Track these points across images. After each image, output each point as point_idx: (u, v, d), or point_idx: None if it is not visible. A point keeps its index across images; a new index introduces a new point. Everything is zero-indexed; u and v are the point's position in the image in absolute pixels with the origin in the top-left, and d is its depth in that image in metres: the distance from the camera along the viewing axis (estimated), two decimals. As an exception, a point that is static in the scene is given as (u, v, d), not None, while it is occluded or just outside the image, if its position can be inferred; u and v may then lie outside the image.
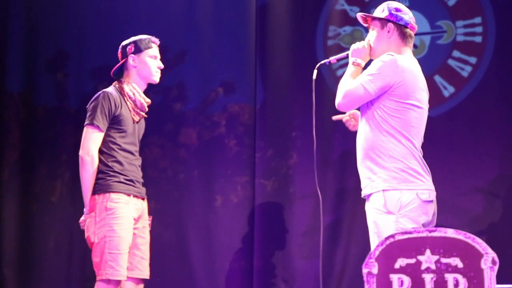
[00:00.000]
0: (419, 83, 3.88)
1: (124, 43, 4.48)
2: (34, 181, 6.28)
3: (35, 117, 6.34)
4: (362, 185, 3.91)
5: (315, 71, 4.10)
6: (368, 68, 3.87)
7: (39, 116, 6.34)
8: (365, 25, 4.12)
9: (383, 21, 3.99)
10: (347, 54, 4.08)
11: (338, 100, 3.88)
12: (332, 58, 4.18)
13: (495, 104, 5.65)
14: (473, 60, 5.78)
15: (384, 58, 3.84)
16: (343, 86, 3.89)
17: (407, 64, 3.84)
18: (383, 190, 3.76)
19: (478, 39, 5.80)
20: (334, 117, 4.28)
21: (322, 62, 4.20)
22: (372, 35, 4.03)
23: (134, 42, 4.44)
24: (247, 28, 6.18)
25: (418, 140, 3.87)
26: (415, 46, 5.71)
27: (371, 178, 3.83)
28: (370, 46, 4.02)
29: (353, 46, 4.04)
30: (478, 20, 5.82)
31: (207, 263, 5.99)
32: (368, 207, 3.86)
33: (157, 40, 4.50)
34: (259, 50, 6.12)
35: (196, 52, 6.24)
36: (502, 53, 5.70)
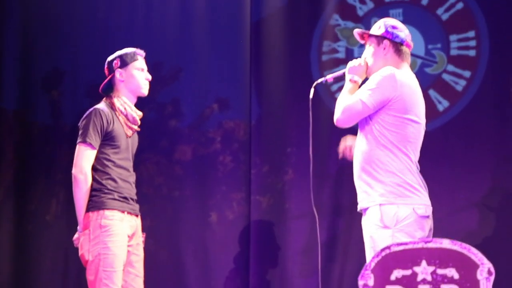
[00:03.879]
0: (417, 98, 3.89)
1: (109, 58, 4.45)
2: (29, 200, 6.26)
3: (30, 135, 6.33)
4: (359, 199, 3.90)
5: (312, 90, 4.09)
6: (367, 82, 3.88)
7: (34, 134, 6.33)
8: (362, 41, 4.12)
9: (379, 38, 4.00)
10: (344, 72, 4.08)
11: (337, 115, 3.88)
12: (329, 77, 4.18)
13: (489, 118, 5.65)
14: (467, 74, 5.78)
15: (383, 72, 3.84)
16: (342, 102, 3.89)
17: (405, 79, 3.84)
18: (380, 204, 3.76)
19: (472, 53, 5.81)
20: (340, 154, 4.25)
21: (319, 81, 4.20)
22: (368, 52, 4.04)
23: (120, 56, 4.42)
24: (242, 44, 6.19)
25: (415, 154, 3.87)
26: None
27: (367, 192, 3.82)
28: (367, 63, 4.03)
29: (350, 64, 4.04)
30: (471, 34, 5.83)
31: (203, 280, 5.96)
32: (365, 221, 3.85)
33: (142, 52, 4.48)
34: (254, 66, 6.12)
35: (191, 69, 6.24)
36: (496, 66, 5.71)
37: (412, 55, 5.70)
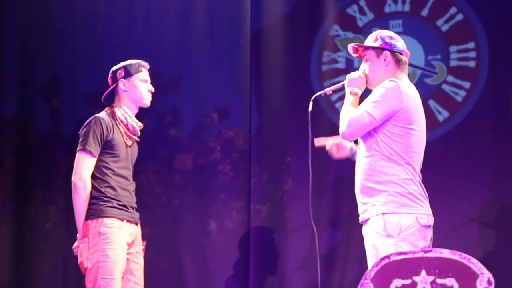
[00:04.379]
0: (420, 108, 3.91)
1: (114, 68, 4.48)
2: (28, 208, 6.26)
3: (29, 143, 6.33)
4: (361, 210, 3.89)
5: (311, 104, 4.08)
6: (371, 95, 3.87)
7: (33, 142, 6.34)
8: (355, 55, 4.12)
9: (378, 50, 4.00)
10: (343, 85, 4.08)
11: (343, 129, 3.87)
12: (328, 90, 4.17)
13: (488, 128, 5.66)
14: (467, 84, 5.80)
15: (387, 84, 3.85)
16: (346, 115, 3.88)
17: (409, 90, 3.86)
18: (383, 214, 3.76)
19: (472, 64, 5.82)
20: (317, 143, 4.25)
21: (318, 94, 4.19)
22: (367, 64, 4.03)
23: (124, 66, 4.45)
24: (242, 54, 6.20)
25: (418, 164, 3.88)
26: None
27: (370, 202, 3.82)
28: (366, 75, 4.03)
29: (349, 76, 4.04)
30: (471, 45, 5.84)
31: (202, 288, 5.97)
32: (367, 230, 3.85)
33: (147, 64, 4.51)
34: (254, 75, 6.13)
35: (191, 78, 6.25)
36: (495, 77, 5.72)
37: (412, 65, 5.77)
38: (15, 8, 6.44)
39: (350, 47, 4.09)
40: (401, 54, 4.00)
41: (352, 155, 4.21)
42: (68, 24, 6.44)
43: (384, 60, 3.99)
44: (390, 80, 3.88)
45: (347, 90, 4.01)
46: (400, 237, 3.72)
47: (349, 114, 3.87)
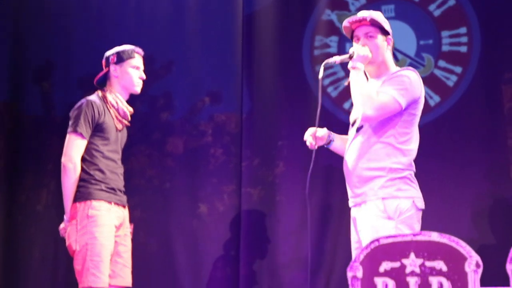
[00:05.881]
0: None
1: (107, 53, 4.51)
2: (19, 191, 6.26)
3: (21, 126, 6.33)
4: (355, 193, 3.89)
5: (322, 70, 3.96)
6: (391, 81, 3.83)
7: (25, 126, 6.33)
8: (352, 29, 4.05)
9: (385, 32, 4.00)
10: (350, 57, 3.95)
11: (369, 112, 3.77)
12: (338, 60, 4.03)
13: (480, 113, 5.67)
14: (458, 69, 5.80)
15: (408, 73, 3.85)
16: (371, 96, 3.78)
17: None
18: (382, 198, 3.77)
19: (464, 49, 5.83)
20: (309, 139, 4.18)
21: (330, 61, 4.04)
22: (373, 42, 3.97)
23: (117, 52, 4.48)
24: (234, 38, 6.19)
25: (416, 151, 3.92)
26: (397, 59, 5.76)
27: (368, 186, 3.83)
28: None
29: (359, 51, 3.91)
30: (463, 30, 5.85)
31: (193, 271, 5.97)
32: (363, 214, 3.83)
33: (141, 51, 4.52)
34: (246, 59, 6.12)
35: (182, 62, 6.24)
36: (487, 62, 5.73)
37: (402, 53, 5.78)
38: (7, -9, 6.43)
39: (360, 17, 3.97)
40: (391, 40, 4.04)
41: (328, 143, 4.20)
42: (60, 7, 6.41)
43: (388, 44, 4.00)
44: (408, 69, 3.89)
45: (356, 65, 3.89)
46: (400, 219, 3.76)
47: (374, 96, 3.78)
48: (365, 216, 3.83)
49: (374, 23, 3.96)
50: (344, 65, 4.91)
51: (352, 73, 3.90)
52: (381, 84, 3.87)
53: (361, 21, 4.00)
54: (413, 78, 3.85)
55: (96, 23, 6.36)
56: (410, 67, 3.93)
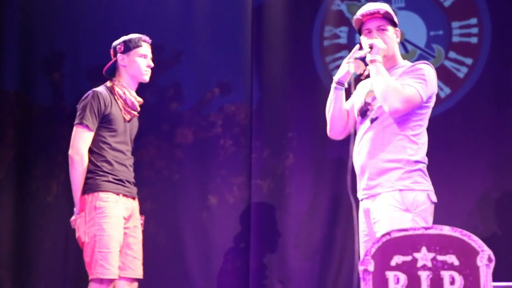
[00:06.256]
0: None
1: (115, 42, 4.49)
2: (29, 181, 6.27)
3: (31, 116, 6.33)
4: (369, 184, 3.88)
5: (352, 65, 3.92)
6: (412, 74, 3.83)
7: (35, 116, 6.34)
8: (362, 21, 4.01)
9: (395, 25, 4.00)
10: (369, 49, 3.88)
11: (397, 105, 3.74)
12: (359, 55, 3.93)
13: (491, 104, 5.66)
14: (469, 61, 5.78)
15: (425, 67, 3.86)
16: (398, 90, 3.76)
17: None
18: (400, 190, 3.77)
19: (474, 40, 5.81)
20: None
21: (357, 56, 3.93)
22: (386, 35, 3.95)
23: (124, 41, 4.46)
24: (244, 28, 6.18)
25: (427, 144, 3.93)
26: (407, 51, 5.74)
27: (385, 177, 3.82)
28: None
29: (378, 44, 3.88)
30: (474, 21, 5.82)
31: (203, 263, 5.98)
32: (379, 204, 3.82)
33: (148, 39, 4.50)
34: (255, 50, 6.11)
35: (192, 52, 6.23)
36: (497, 54, 5.71)
37: (412, 44, 5.76)
38: (17, -19, 6.42)
39: (372, 10, 3.94)
40: None
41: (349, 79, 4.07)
42: (69, -3, 6.42)
43: (397, 37, 4.01)
44: (425, 63, 3.90)
45: (376, 57, 3.85)
46: (416, 212, 3.76)
47: (400, 89, 3.76)
48: (381, 207, 3.80)
49: (386, 16, 3.95)
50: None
51: (372, 66, 3.87)
52: (398, 77, 3.87)
53: (373, 14, 3.97)
54: (432, 72, 3.87)
55: (105, 13, 6.36)
56: (426, 61, 3.92)
